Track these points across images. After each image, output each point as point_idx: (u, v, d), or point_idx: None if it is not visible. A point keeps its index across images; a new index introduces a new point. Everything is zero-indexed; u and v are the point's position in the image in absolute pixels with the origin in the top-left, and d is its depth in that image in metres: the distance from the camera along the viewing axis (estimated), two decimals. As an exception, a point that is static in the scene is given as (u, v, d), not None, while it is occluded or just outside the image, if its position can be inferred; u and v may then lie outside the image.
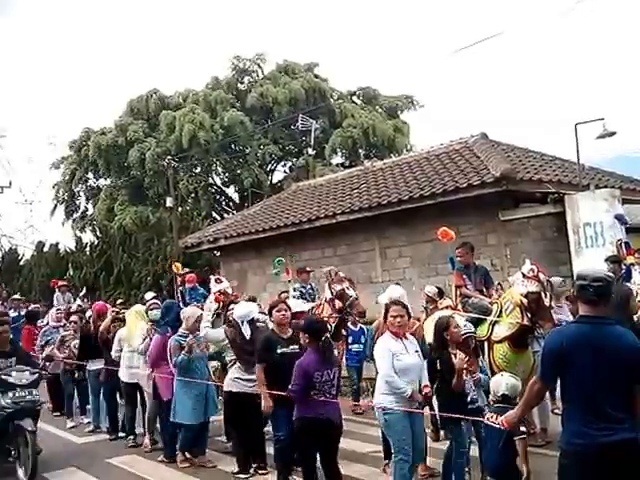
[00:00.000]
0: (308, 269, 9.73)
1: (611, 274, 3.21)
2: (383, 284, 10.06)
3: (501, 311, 5.87)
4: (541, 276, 5.70)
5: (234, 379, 5.69)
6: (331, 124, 26.09)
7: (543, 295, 5.55)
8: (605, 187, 9.75)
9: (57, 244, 25.13)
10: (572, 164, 11.00)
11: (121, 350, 7.14)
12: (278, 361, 5.06)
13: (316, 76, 27.63)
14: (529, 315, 5.52)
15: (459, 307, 6.37)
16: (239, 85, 27.92)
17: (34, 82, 52.05)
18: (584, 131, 10.15)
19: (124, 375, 7.09)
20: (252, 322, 5.75)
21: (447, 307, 6.49)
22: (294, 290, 9.00)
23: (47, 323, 9.73)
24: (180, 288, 10.20)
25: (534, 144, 12.61)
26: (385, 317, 5.01)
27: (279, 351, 5.10)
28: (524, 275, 5.71)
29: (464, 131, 13.05)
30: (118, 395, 7.81)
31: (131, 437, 7.21)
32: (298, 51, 59.21)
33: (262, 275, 13.50)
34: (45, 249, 25.01)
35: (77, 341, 8.34)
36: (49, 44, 57.23)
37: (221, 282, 7.95)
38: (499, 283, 7.73)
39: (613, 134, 10.08)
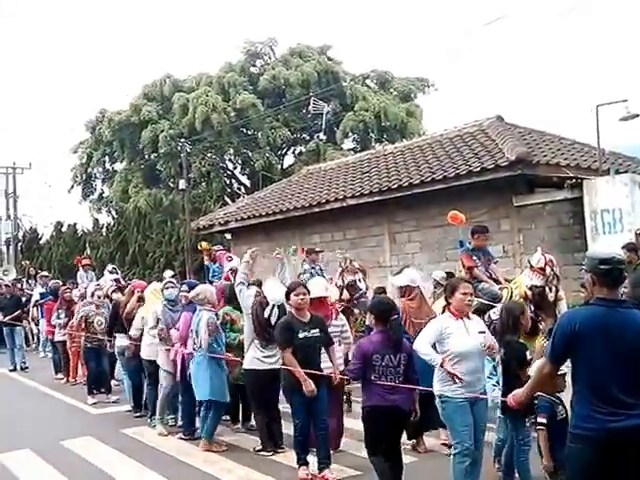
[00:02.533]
0: (317, 249, 9.60)
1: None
2: (392, 268, 9.87)
3: (511, 297, 5.68)
4: (548, 269, 5.52)
5: (254, 357, 5.56)
6: (343, 107, 25.74)
7: (547, 290, 5.41)
8: (626, 172, 9.37)
9: (75, 224, 25.68)
10: (592, 148, 10.62)
11: (142, 328, 6.98)
12: (300, 345, 4.88)
13: (329, 59, 27.26)
14: (532, 308, 5.33)
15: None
16: (251, 68, 27.73)
17: (53, 69, 52.26)
18: (606, 113, 9.75)
19: (145, 353, 6.91)
20: (281, 307, 5.54)
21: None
22: (304, 272, 8.86)
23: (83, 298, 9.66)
24: (207, 263, 10.33)
25: (553, 127, 12.22)
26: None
27: (301, 335, 4.89)
28: (531, 266, 5.53)
29: (480, 114, 12.63)
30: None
31: (166, 419, 6.87)
32: (311, 35, 58.78)
33: (271, 258, 13.35)
34: (63, 229, 25.48)
35: (100, 318, 8.39)
36: (69, 32, 57.30)
37: (231, 260, 7.91)
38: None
39: (637, 116, 9.68)
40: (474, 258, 6.27)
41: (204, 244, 11.57)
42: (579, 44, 51.99)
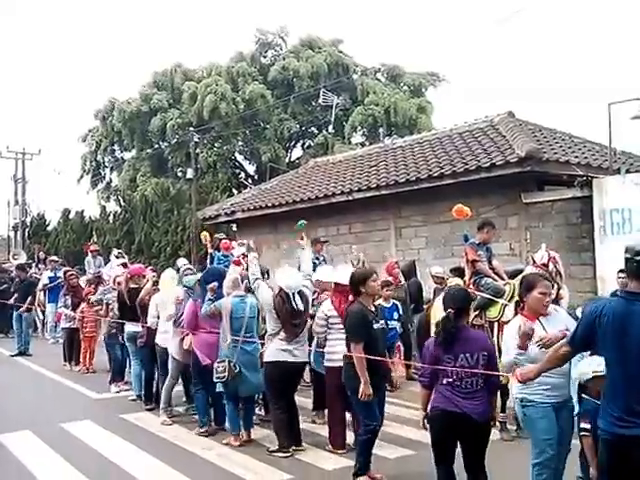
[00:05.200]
0: (323, 239, 9.53)
1: None
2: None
3: (513, 294, 5.62)
4: (551, 266, 5.44)
5: (278, 349, 5.36)
6: (353, 101, 25.60)
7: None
8: (637, 172, 9.25)
9: (82, 212, 25.79)
10: (603, 147, 10.49)
11: (158, 317, 6.86)
12: (375, 338, 4.58)
13: (340, 51, 27.09)
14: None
15: (471, 286, 6.08)
16: (262, 59, 27.63)
17: (64, 55, 52.25)
18: (619, 112, 9.61)
19: (160, 340, 6.80)
20: (300, 292, 5.44)
21: (456, 284, 6.24)
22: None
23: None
24: (211, 251, 10.18)
25: (565, 125, 12.09)
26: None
27: (375, 327, 4.60)
28: (534, 263, 5.45)
29: (491, 110, 12.53)
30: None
31: (169, 408, 6.74)
32: (322, 27, 58.40)
33: (276, 250, 13.34)
34: (70, 216, 25.61)
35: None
36: (81, 17, 57.25)
37: (243, 245, 7.93)
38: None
39: (649, 115, 9.54)
40: (479, 252, 6.21)
41: (206, 234, 11.53)
42: (593, 41, 51.51)
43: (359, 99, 25.49)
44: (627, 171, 9.09)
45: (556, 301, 5.32)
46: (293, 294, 5.33)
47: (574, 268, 8.48)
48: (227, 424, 5.95)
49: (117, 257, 11.00)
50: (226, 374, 5.47)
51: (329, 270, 6.30)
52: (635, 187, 8.30)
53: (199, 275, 6.64)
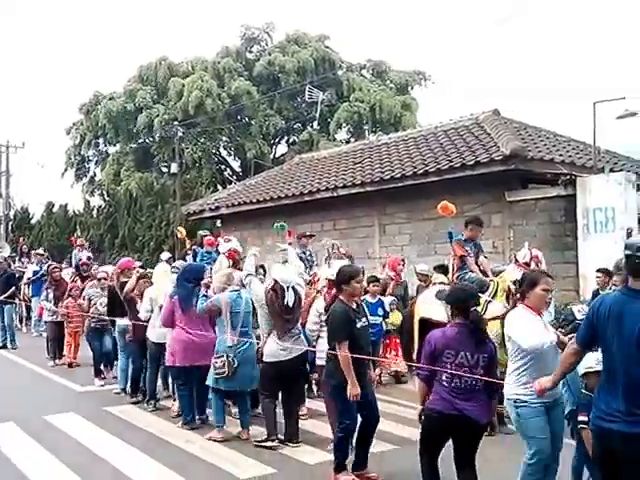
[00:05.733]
0: (309, 233, 9.46)
1: None
2: (381, 260, 9.74)
3: (497, 291, 5.65)
4: (533, 264, 5.43)
5: (278, 349, 5.28)
6: (338, 97, 25.51)
7: None
8: (620, 171, 9.28)
9: (66, 205, 25.47)
10: (588, 146, 10.54)
11: (152, 310, 6.73)
12: (359, 336, 4.46)
13: (326, 47, 26.98)
14: (513, 303, 5.23)
15: (455, 281, 6.06)
16: (248, 54, 27.45)
17: (49, 46, 51.53)
18: (604, 111, 9.65)
19: (152, 335, 6.68)
20: (294, 288, 5.34)
21: (441, 282, 6.21)
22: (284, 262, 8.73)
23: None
24: (194, 247, 10.08)
25: (550, 124, 12.12)
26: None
27: (359, 325, 4.48)
28: (516, 261, 5.43)
29: (477, 108, 12.52)
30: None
31: (152, 401, 6.75)
32: (309, 22, 58.21)
33: (261, 246, 13.16)
34: (54, 210, 25.32)
35: (103, 299, 8.22)
36: (66, 10, 56.51)
37: (230, 241, 7.88)
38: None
39: (634, 114, 9.59)
40: (466, 248, 6.18)
41: (182, 230, 11.41)
42: (579, 41, 51.87)
43: (345, 95, 25.40)
44: (611, 170, 9.13)
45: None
46: (287, 288, 5.25)
47: (557, 266, 8.48)
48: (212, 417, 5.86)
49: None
50: (226, 369, 5.40)
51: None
52: (618, 186, 8.34)
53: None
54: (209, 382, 5.61)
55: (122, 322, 7.47)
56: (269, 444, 5.29)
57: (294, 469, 4.95)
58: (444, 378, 3.66)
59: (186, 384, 6.00)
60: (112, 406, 6.86)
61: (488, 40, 44.51)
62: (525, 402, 3.60)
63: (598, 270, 6.97)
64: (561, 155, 9.86)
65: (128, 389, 7.32)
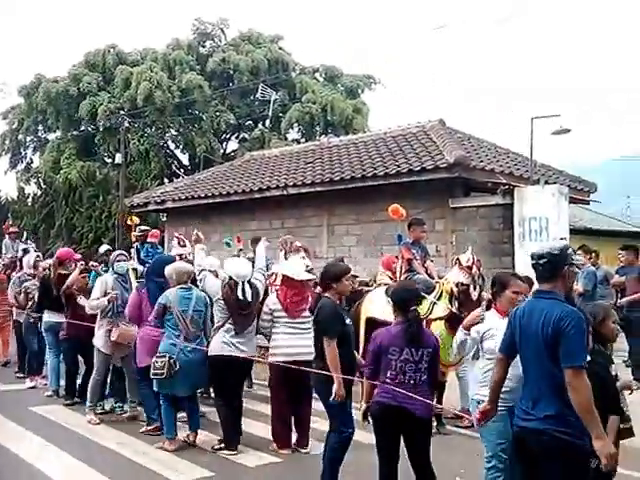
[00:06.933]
0: (263, 239, 9.46)
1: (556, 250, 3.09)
2: (328, 260, 9.93)
3: (441, 293, 5.91)
4: (474, 269, 5.69)
5: (223, 342, 5.14)
6: (291, 98, 25.69)
7: (472, 288, 5.57)
8: (554, 184, 9.87)
9: (-2, 192, 24.38)
10: (525, 159, 11.12)
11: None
12: (347, 335, 4.35)
13: (280, 48, 27.11)
14: (456, 304, 5.55)
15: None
16: (200, 49, 27.17)
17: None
18: (540, 127, 10.23)
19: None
20: (250, 283, 5.23)
21: (386, 284, 6.44)
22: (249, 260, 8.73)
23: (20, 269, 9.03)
24: (136, 244, 9.61)
25: (491, 136, 12.69)
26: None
27: (348, 322, 4.40)
28: (459, 264, 5.71)
29: (422, 117, 13.02)
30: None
31: (100, 403, 6.40)
32: (262, 22, 58.09)
33: (207, 242, 13.13)
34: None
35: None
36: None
37: (184, 246, 7.53)
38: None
39: (568, 131, 10.21)
40: (413, 251, 6.45)
41: (135, 218, 11.09)
42: (519, 54, 53.94)
43: (297, 96, 25.58)
44: (546, 182, 9.68)
45: (478, 303, 5.66)
46: (243, 283, 5.16)
47: (495, 271, 8.88)
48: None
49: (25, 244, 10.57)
50: (164, 371, 5.16)
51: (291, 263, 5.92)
52: (552, 198, 8.86)
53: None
54: (154, 386, 5.37)
55: (51, 318, 7.08)
56: (227, 452, 5.11)
57: (233, 472, 4.79)
58: (388, 374, 3.74)
59: (149, 382, 5.58)
60: (38, 406, 6.58)
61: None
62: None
63: (519, 278, 7.39)
64: (501, 166, 10.37)
65: (61, 392, 6.98)
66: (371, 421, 3.91)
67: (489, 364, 3.67)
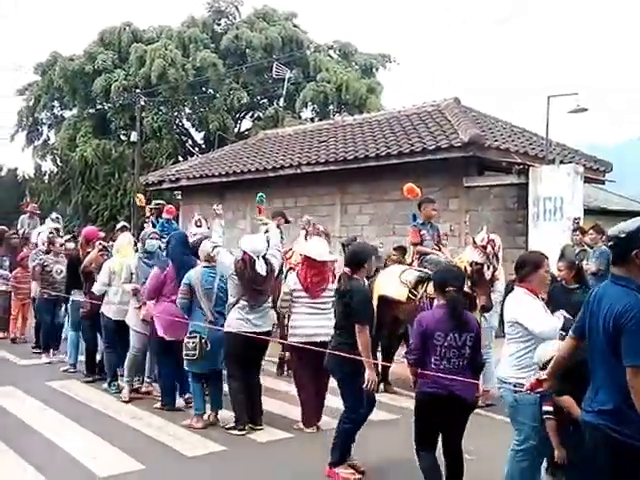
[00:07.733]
0: (284, 213, 9.46)
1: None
2: (341, 239, 9.98)
3: None
4: (489, 248, 5.65)
5: (238, 319, 5.08)
6: (305, 76, 25.51)
7: (486, 268, 5.51)
8: (570, 163, 9.79)
9: (15, 169, 24.56)
10: (540, 138, 11.02)
11: (109, 284, 6.32)
12: (373, 320, 4.33)
13: (295, 26, 26.84)
14: (469, 283, 5.51)
15: (415, 263, 6.34)
16: (215, 26, 26.99)
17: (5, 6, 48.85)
18: (557, 105, 10.10)
19: (109, 311, 6.31)
20: (265, 258, 5.18)
21: (400, 262, 6.45)
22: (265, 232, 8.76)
23: (36, 245, 9.14)
24: (151, 218, 9.59)
25: (507, 115, 12.54)
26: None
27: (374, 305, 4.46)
28: (475, 243, 5.70)
29: (439, 96, 12.86)
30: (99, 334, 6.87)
31: (115, 383, 6.40)
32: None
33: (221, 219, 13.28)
34: (2, 173, 24.45)
35: (60, 266, 7.80)
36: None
37: (200, 226, 7.46)
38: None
39: (585, 110, 10.07)
40: (422, 232, 6.40)
41: (141, 197, 11.03)
42: (538, 37, 52.99)
43: (311, 75, 25.40)
44: (561, 162, 9.60)
45: (491, 282, 5.66)
46: (257, 257, 5.12)
47: (508, 251, 8.90)
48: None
49: (53, 220, 10.60)
50: (197, 352, 5.12)
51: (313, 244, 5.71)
52: (567, 177, 8.81)
53: (163, 241, 6.25)
54: (185, 365, 5.33)
55: (77, 297, 7.13)
56: (236, 432, 5.07)
57: (244, 447, 4.80)
58: (433, 360, 3.65)
59: (168, 361, 5.64)
60: (54, 381, 6.67)
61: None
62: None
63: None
64: (516, 145, 10.29)
65: (80, 367, 7.06)
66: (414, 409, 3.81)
67: (524, 347, 3.55)
